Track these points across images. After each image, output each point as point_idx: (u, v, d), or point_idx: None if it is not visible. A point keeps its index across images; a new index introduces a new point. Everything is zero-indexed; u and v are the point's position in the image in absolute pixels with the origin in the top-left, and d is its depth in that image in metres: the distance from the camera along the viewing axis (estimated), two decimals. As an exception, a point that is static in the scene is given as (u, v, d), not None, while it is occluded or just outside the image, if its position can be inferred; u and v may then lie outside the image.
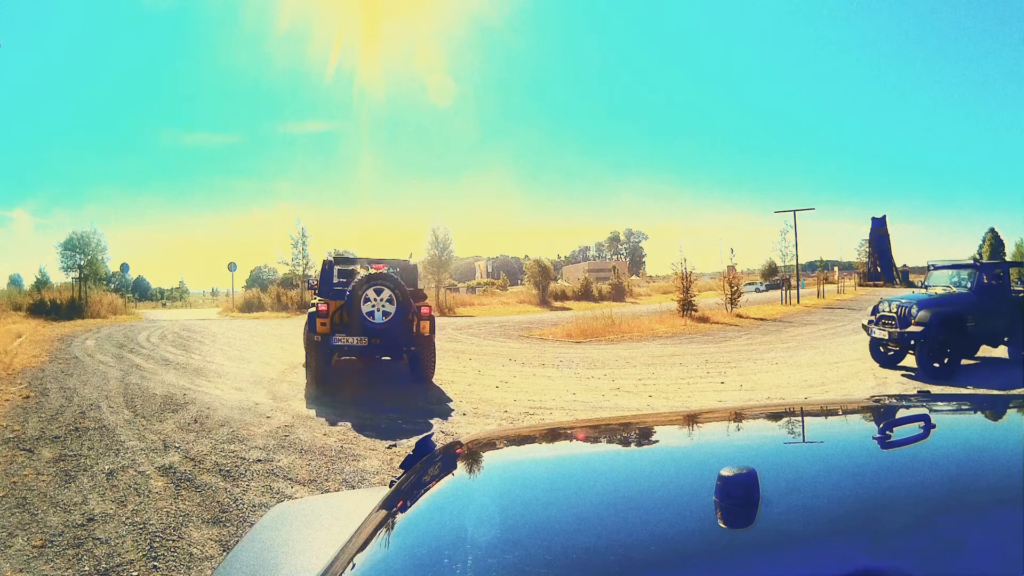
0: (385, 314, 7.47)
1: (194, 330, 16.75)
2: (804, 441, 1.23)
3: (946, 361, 7.98)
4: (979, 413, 1.43)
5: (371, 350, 7.75)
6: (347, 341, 7.53)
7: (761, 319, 19.45)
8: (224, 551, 3.10)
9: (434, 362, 8.40)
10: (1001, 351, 9.31)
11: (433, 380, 8.44)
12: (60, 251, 26.81)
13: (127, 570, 2.93)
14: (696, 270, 24.16)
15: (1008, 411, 1.41)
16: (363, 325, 7.40)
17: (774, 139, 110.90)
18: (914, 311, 8.20)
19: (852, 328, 15.97)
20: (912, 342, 8.07)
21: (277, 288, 32.06)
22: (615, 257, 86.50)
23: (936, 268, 9.71)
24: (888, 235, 57.34)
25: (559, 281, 44.58)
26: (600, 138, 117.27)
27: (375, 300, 7.49)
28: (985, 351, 9.29)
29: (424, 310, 8.04)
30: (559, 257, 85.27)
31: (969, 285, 8.93)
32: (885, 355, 8.90)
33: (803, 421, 1.39)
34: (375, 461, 4.69)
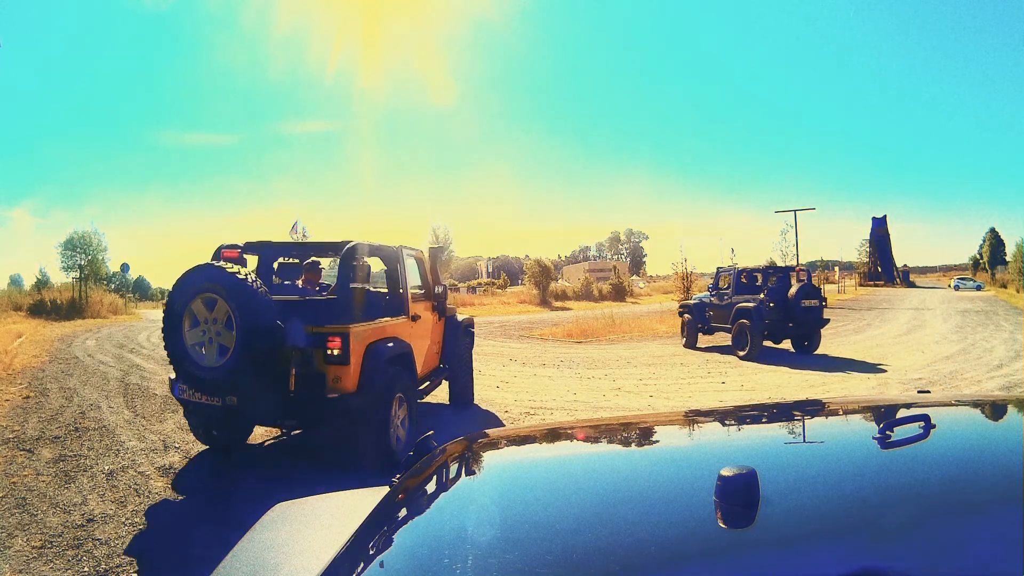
0: (221, 350, 3.87)
1: (194, 330, 16.74)
2: (804, 441, 1.23)
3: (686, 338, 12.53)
4: (979, 413, 1.43)
5: (227, 414, 4.15)
6: (189, 395, 4.15)
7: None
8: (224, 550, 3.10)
9: (388, 443, 4.26)
10: (786, 344, 11.42)
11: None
12: (60, 251, 26.87)
13: (127, 570, 2.93)
14: (696, 270, 24.22)
15: (1008, 411, 1.41)
16: (185, 367, 3.95)
17: (774, 139, 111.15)
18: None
19: (852, 328, 15.97)
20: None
21: (277, 288, 32.00)
22: (615, 257, 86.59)
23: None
24: (888, 235, 57.31)
25: (559, 281, 44.60)
26: (600, 138, 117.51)
27: (207, 322, 3.94)
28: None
29: (357, 339, 4.14)
30: (559, 257, 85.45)
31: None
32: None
33: (803, 421, 1.39)
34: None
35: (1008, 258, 51.36)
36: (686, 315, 12.58)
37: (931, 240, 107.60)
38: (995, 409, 1.45)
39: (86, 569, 2.93)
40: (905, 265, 57.75)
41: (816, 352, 10.95)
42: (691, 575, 0.70)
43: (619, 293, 37.31)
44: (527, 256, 62.57)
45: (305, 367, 3.98)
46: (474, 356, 6.81)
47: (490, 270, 78.31)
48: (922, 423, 1.02)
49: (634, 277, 62.76)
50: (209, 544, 3.20)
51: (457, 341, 6.12)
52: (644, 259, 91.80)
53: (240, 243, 4.92)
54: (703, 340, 12.49)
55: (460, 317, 6.42)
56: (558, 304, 32.47)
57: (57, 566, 2.96)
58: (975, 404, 1.57)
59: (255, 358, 3.82)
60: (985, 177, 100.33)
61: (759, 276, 11.55)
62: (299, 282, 5.30)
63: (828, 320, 11.24)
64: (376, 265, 5.44)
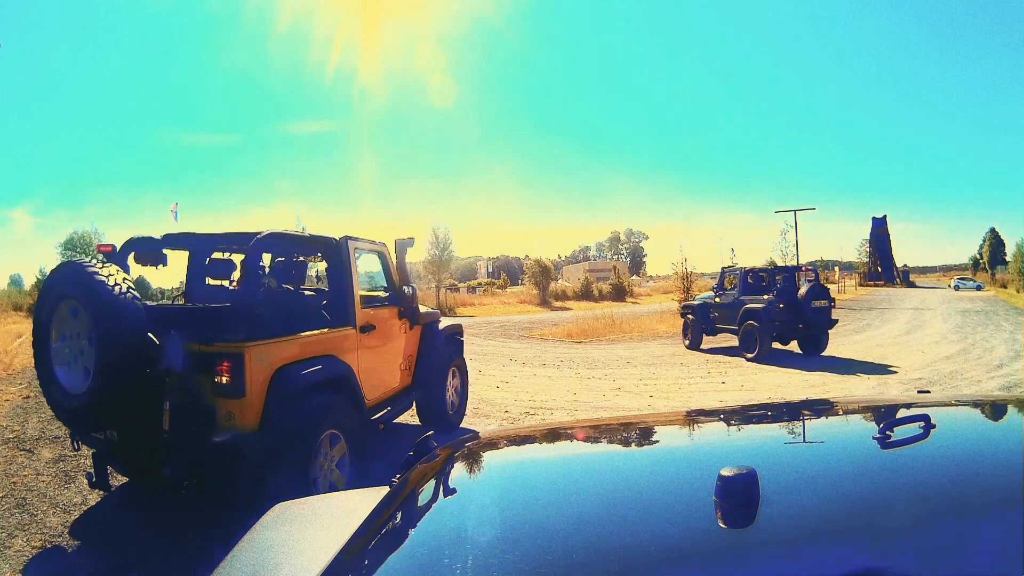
0: (85, 372, 3.07)
1: (194, 330, 16.72)
2: (804, 441, 1.23)
3: (690, 339, 12.35)
4: (979, 413, 1.43)
5: (113, 451, 3.39)
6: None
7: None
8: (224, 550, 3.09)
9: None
10: (793, 346, 11.15)
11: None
12: (60, 251, 26.82)
13: (127, 571, 2.93)
14: (696, 270, 24.23)
15: (1008, 411, 1.41)
16: (52, 392, 3.17)
17: (774, 139, 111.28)
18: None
19: (852, 328, 15.97)
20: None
21: (277, 288, 31.92)
22: (615, 257, 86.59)
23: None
24: (888, 235, 57.31)
25: (559, 281, 44.60)
26: (601, 138, 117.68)
27: (72, 337, 3.18)
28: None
29: (258, 361, 3.17)
30: (559, 257, 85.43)
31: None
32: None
33: (803, 421, 1.39)
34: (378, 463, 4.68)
35: (1008, 258, 51.35)
36: (689, 316, 12.42)
37: (931, 240, 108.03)
38: (995, 409, 1.45)
39: (86, 569, 2.93)
40: (905, 265, 57.74)
41: (822, 353, 10.83)
42: (691, 575, 0.70)
43: (619, 293, 37.31)
44: (527, 256, 62.64)
45: (185, 398, 3.04)
46: (474, 356, 6.56)
47: (490, 270, 78.31)
48: (922, 423, 1.02)
49: (635, 277, 62.78)
50: (209, 543, 3.20)
51: (433, 354, 5.14)
52: (644, 259, 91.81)
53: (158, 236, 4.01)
54: (705, 341, 12.43)
55: (444, 323, 5.49)
56: (558, 304, 32.47)
57: (57, 566, 2.96)
58: (975, 404, 1.57)
59: (118, 384, 2.91)
60: (985, 177, 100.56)
61: (766, 276, 11.38)
62: (231, 283, 4.26)
63: (837, 320, 11.06)
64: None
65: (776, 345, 10.88)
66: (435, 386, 5.19)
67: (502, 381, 8.52)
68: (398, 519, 0.99)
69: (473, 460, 1.21)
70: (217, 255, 4.43)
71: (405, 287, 4.78)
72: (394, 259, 4.82)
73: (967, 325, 15.54)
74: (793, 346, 11.26)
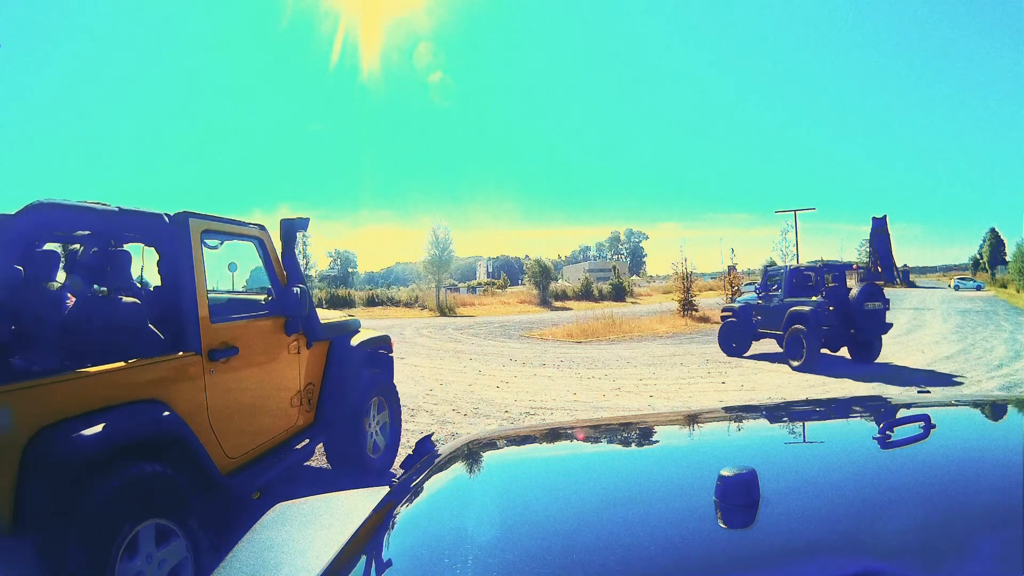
0: None
1: (194, 330, 16.69)
2: (804, 441, 1.23)
3: (733, 345, 11.21)
4: (979, 413, 1.43)
5: None
6: None
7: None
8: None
9: None
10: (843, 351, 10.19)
11: (435, 380, 8.31)
12: (61, 251, 26.84)
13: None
14: (696, 270, 24.29)
15: (1008, 411, 1.41)
16: None
17: (774, 139, 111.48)
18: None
19: (852, 328, 15.96)
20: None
21: (277, 288, 31.92)
22: (615, 257, 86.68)
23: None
24: (888, 235, 57.33)
25: (559, 281, 44.62)
26: (601, 138, 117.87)
27: None
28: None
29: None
30: (559, 257, 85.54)
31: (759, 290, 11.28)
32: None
33: (803, 421, 1.39)
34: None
35: (1008, 258, 51.34)
36: (732, 318, 11.30)
37: (931, 240, 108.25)
38: (995, 409, 1.45)
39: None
40: (905, 265, 57.75)
41: (875, 360, 9.82)
42: None
43: (619, 293, 37.34)
44: (527, 256, 62.71)
45: None
46: (475, 356, 6.50)
47: (490, 270, 78.40)
48: (922, 423, 1.02)
49: (635, 277, 62.85)
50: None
51: (343, 382, 3.80)
52: (644, 259, 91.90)
53: None
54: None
55: (361, 338, 4.11)
56: (558, 304, 32.50)
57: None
58: (975, 404, 1.57)
59: None
60: (985, 177, 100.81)
61: (813, 276, 10.31)
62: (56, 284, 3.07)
63: (892, 325, 9.80)
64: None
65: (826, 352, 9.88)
66: (347, 425, 3.85)
67: (502, 381, 8.52)
68: (398, 519, 0.99)
69: (473, 460, 1.21)
70: (52, 246, 3.23)
71: (294, 287, 3.40)
72: (275, 250, 3.50)
73: (967, 325, 15.56)
74: (839, 353, 10.28)
